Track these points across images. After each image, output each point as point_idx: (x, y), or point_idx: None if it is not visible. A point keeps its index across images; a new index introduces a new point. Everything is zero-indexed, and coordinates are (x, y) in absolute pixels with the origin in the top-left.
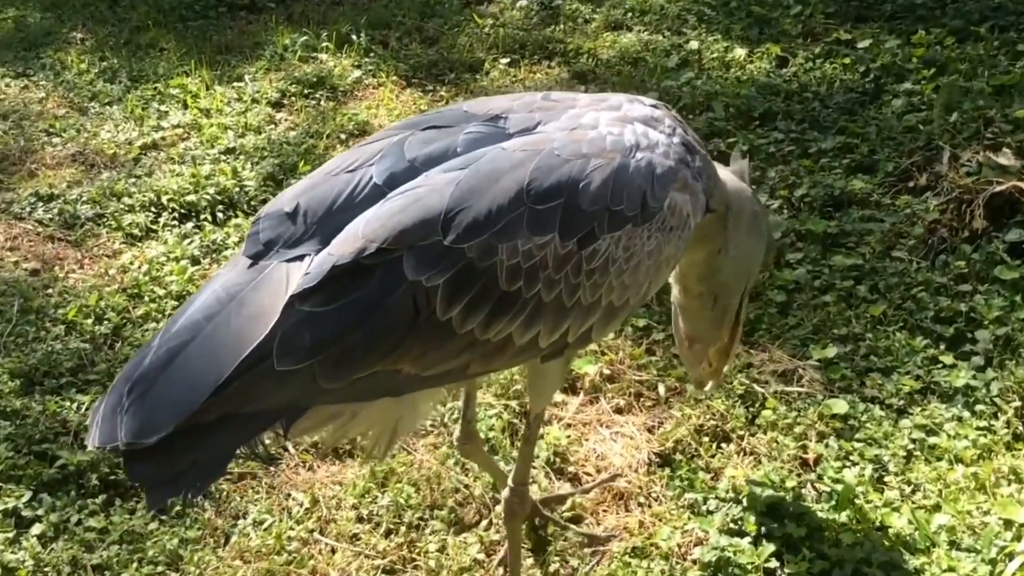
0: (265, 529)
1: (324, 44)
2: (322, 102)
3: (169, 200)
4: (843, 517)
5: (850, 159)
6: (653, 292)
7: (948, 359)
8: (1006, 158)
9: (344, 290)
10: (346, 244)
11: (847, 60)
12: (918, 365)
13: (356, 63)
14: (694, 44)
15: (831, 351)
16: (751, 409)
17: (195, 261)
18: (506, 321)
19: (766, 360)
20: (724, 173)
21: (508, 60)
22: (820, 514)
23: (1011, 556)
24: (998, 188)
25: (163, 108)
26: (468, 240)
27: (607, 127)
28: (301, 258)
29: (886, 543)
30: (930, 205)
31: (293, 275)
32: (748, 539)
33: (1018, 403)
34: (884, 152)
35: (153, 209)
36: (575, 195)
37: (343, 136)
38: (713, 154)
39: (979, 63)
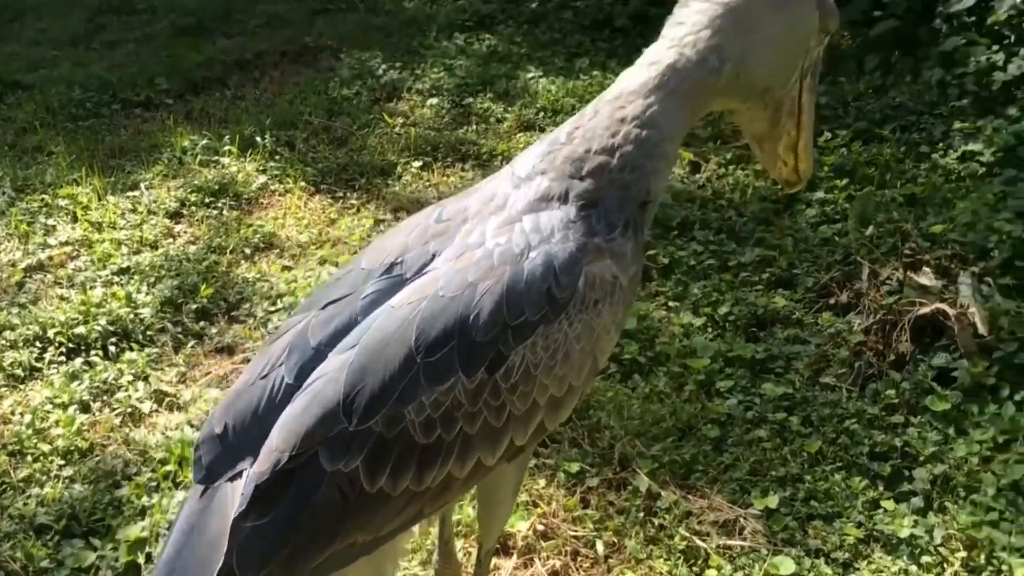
0: None
1: (227, 147)
2: (225, 211)
3: (56, 334)
4: None
5: (770, 273)
6: (605, 357)
7: (889, 504)
8: (927, 278)
9: (273, 500)
10: (264, 459)
11: (758, 166)
12: (859, 511)
13: (261, 167)
14: None
15: (772, 499)
16: (694, 567)
17: (85, 408)
18: (438, 467)
19: (706, 508)
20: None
21: (420, 163)
22: None
23: None
24: (922, 311)
25: (50, 222)
26: (371, 418)
27: (493, 238)
28: (241, 474)
29: None
30: (853, 325)
31: (235, 494)
32: None
33: (963, 552)
34: (803, 266)
35: (38, 344)
36: (467, 331)
37: (247, 251)
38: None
39: (887, 169)
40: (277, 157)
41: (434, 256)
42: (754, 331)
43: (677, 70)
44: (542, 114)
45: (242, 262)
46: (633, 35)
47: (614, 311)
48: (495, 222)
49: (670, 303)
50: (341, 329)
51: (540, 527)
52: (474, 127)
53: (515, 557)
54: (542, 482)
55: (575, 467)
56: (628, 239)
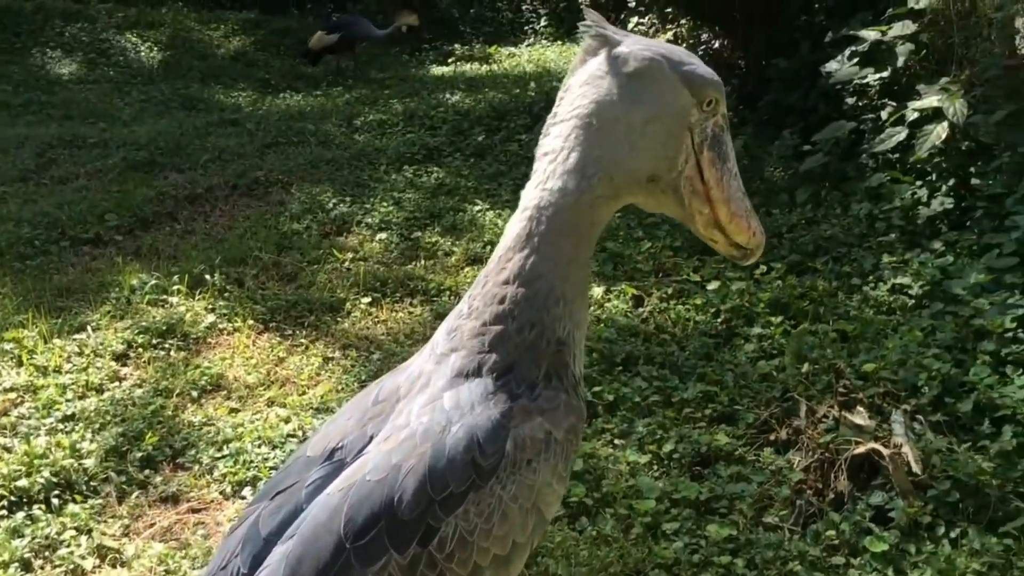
0: None
1: (175, 286)
2: (172, 352)
3: None
4: None
5: (711, 409)
6: (553, 510)
7: None
8: (861, 418)
9: None
10: None
11: (698, 301)
12: None
13: (210, 306)
14: None
15: None
16: None
17: (26, 566)
18: None
19: None
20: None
21: (369, 299)
22: None
23: None
24: (858, 450)
25: None
26: None
27: (417, 418)
28: None
29: None
30: (794, 463)
31: None
32: None
33: None
34: (744, 402)
35: None
36: (393, 511)
37: (194, 393)
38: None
39: (820, 304)
40: (226, 295)
41: (371, 438)
42: (698, 469)
43: (544, 208)
44: (489, 248)
45: (189, 405)
46: None
47: (553, 465)
48: (420, 401)
49: (616, 440)
50: (287, 518)
51: None
52: (422, 262)
53: None
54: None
55: None
56: (556, 389)
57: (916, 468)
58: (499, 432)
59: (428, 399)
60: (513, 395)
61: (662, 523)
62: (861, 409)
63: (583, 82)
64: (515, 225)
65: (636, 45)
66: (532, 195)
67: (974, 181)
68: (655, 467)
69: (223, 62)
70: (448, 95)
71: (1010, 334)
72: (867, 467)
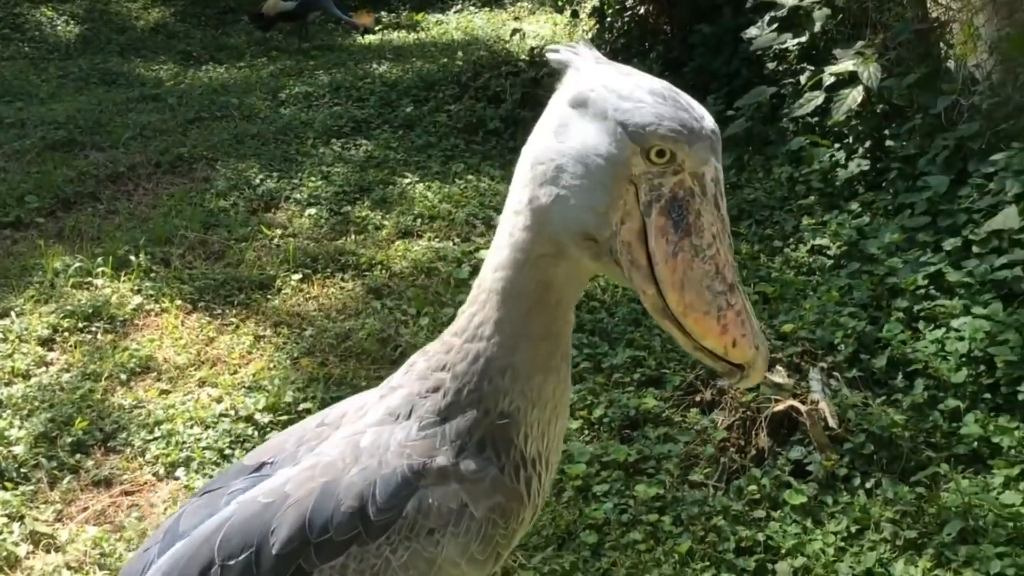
0: None
1: (100, 268)
2: (99, 336)
3: None
4: None
5: (640, 373)
6: None
7: None
8: (780, 376)
9: None
10: None
11: None
12: None
13: (136, 287)
14: (483, 253)
15: None
16: None
17: None
18: None
19: None
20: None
21: (300, 276)
22: None
23: None
24: (777, 408)
25: None
26: None
27: (331, 447)
28: None
29: None
30: (718, 422)
31: None
32: None
33: None
34: (671, 366)
35: None
36: (265, 542)
37: (123, 376)
38: None
39: (744, 267)
40: (153, 275)
41: (299, 460)
42: (627, 431)
43: (499, 265)
44: (419, 220)
45: (118, 388)
46: (505, 137)
47: (463, 544)
48: (344, 432)
49: None
50: (203, 518)
51: None
52: (353, 236)
53: None
54: None
55: None
56: (487, 461)
57: (832, 423)
58: (403, 488)
59: (352, 432)
60: (433, 452)
61: (592, 485)
62: (780, 368)
63: (544, 114)
64: (483, 268)
65: (596, 74)
66: (495, 244)
67: (889, 143)
68: (586, 432)
69: (143, 35)
70: (375, 65)
71: (922, 291)
72: (786, 423)
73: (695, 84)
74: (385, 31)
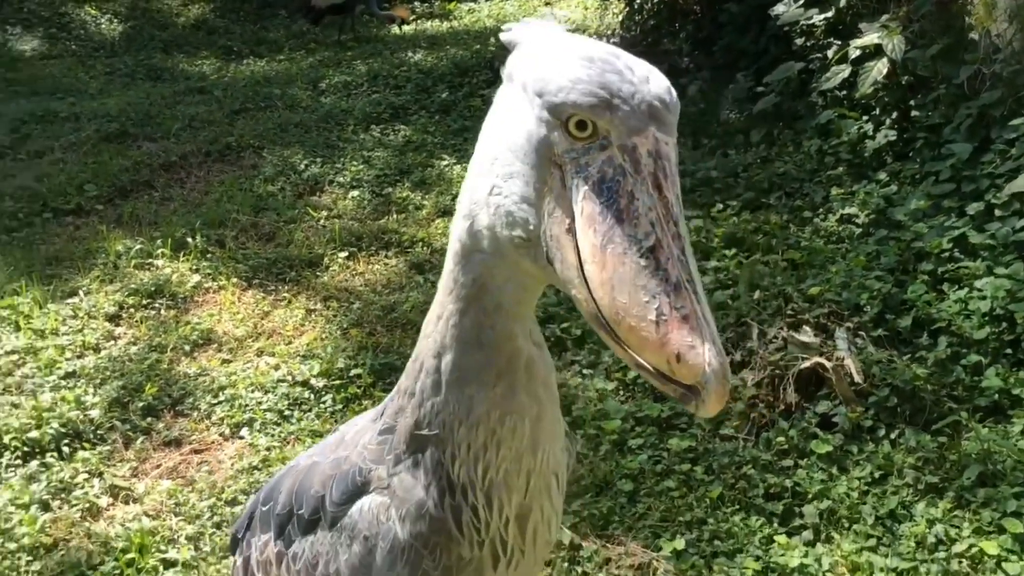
0: None
1: (159, 250)
2: (162, 311)
3: (11, 439)
4: None
5: None
6: None
7: (782, 538)
8: (807, 335)
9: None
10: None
11: None
12: (757, 546)
13: (194, 267)
14: None
15: (680, 541)
16: None
17: (45, 506)
18: None
19: (623, 554)
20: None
21: (346, 253)
22: None
23: None
24: (804, 365)
25: None
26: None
27: (345, 428)
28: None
29: None
30: (747, 380)
31: None
32: None
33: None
34: None
35: None
36: (275, 498)
37: (187, 347)
38: (549, 340)
39: (773, 236)
40: (209, 256)
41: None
42: (660, 393)
43: (448, 261)
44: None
45: (182, 359)
46: None
47: (390, 560)
48: (357, 419)
49: (584, 371)
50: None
51: None
52: (394, 216)
53: None
54: None
55: None
56: (416, 481)
57: (858, 378)
58: (351, 488)
59: (357, 421)
60: (380, 459)
61: (628, 440)
62: (807, 328)
63: None
64: None
65: (531, 46)
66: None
67: (914, 113)
68: (621, 392)
69: (184, 31)
70: (410, 54)
71: (946, 254)
72: (814, 380)
73: (725, 63)
74: (419, 21)
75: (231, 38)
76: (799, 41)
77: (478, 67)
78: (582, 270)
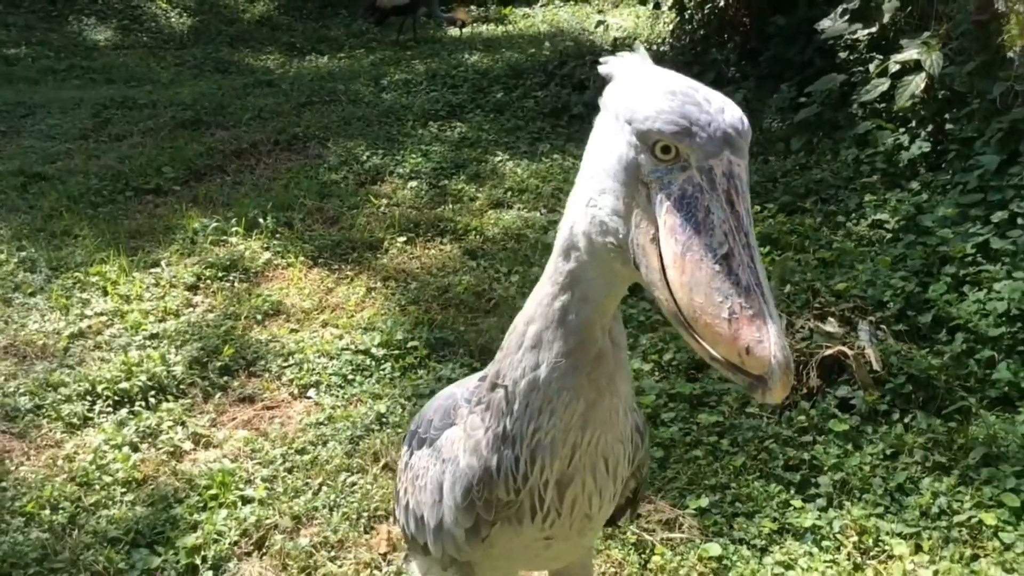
0: None
1: (234, 228)
2: (236, 284)
3: (104, 389)
4: None
5: None
6: (452, 528)
7: (797, 503)
8: (831, 326)
9: None
10: None
11: None
12: (774, 509)
13: (265, 245)
14: None
15: (704, 501)
16: (643, 555)
17: (135, 448)
18: (400, 507)
19: (652, 511)
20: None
21: (404, 238)
22: None
23: None
24: (827, 352)
25: (84, 296)
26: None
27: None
28: None
29: None
30: None
31: None
32: None
33: (855, 537)
34: None
35: (88, 398)
36: (419, 419)
37: (259, 317)
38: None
39: (806, 237)
40: (278, 236)
41: None
42: (693, 373)
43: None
44: (510, 193)
45: (254, 327)
46: (589, 121)
47: (450, 483)
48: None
49: None
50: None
51: None
52: (450, 206)
53: None
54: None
55: None
56: (482, 423)
57: (876, 366)
58: (445, 417)
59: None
60: (470, 397)
61: (661, 413)
62: (832, 320)
63: None
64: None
65: (624, 79)
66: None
67: (948, 126)
68: (656, 373)
69: (249, 27)
70: (467, 56)
71: (969, 258)
72: (835, 367)
73: (770, 73)
74: (475, 24)
75: (294, 35)
76: (842, 55)
77: (532, 70)
78: (664, 274)
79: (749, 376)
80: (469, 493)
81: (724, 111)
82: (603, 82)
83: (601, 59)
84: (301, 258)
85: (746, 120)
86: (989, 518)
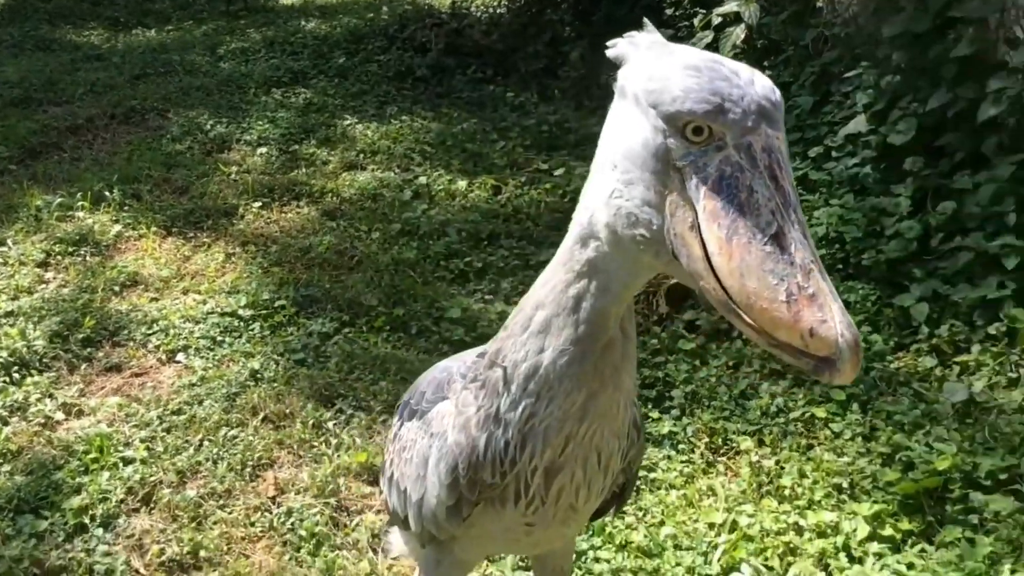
0: None
1: (79, 203)
2: (88, 258)
3: None
4: (598, 541)
5: None
6: (433, 504)
7: (655, 415)
8: None
9: None
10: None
11: (548, 186)
12: None
13: (114, 218)
14: (423, 179)
15: None
16: None
17: (4, 422)
18: (385, 478)
19: None
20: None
21: (260, 204)
22: (581, 542)
23: (715, 547)
24: (672, 282)
25: None
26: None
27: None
28: None
29: (630, 554)
30: None
31: None
32: None
33: (707, 439)
34: None
35: None
36: (411, 391)
37: (116, 288)
38: (454, 272)
39: None
40: (127, 208)
41: None
42: None
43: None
44: (362, 155)
45: (113, 298)
46: (432, 83)
47: (436, 458)
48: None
49: (486, 296)
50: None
51: None
52: (303, 170)
53: None
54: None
55: None
56: (475, 399)
57: None
58: (438, 391)
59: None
60: (466, 372)
61: None
62: None
63: None
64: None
65: (637, 60)
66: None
67: (768, 73)
68: None
69: (68, 2)
70: (303, 23)
71: None
72: (681, 294)
73: (603, 32)
74: None
75: (116, 9)
76: (669, 11)
77: (372, 34)
78: (709, 262)
79: (815, 359)
80: (454, 471)
81: (754, 82)
82: (447, 44)
83: (608, 43)
84: (154, 228)
85: (777, 90)
86: (820, 412)
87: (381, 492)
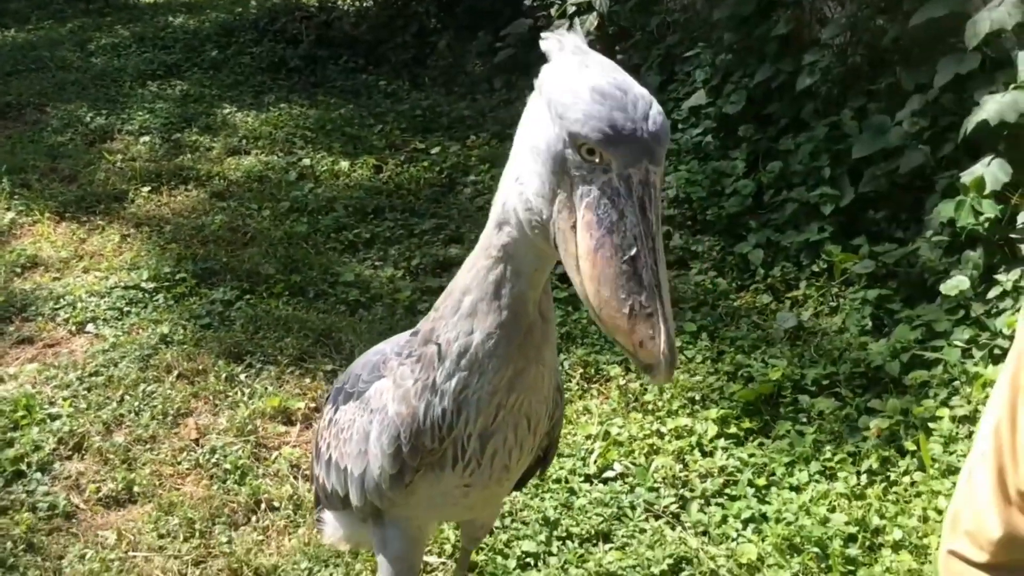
0: (87, 559)
1: None
2: None
3: None
4: None
5: (444, 235)
6: (376, 475)
7: None
8: None
9: None
10: None
11: (426, 163)
12: None
13: (6, 206)
14: (306, 161)
15: None
16: None
17: None
18: (320, 464)
19: None
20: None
21: (149, 188)
22: None
23: (591, 452)
24: None
25: None
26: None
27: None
28: None
29: None
30: None
31: None
32: None
33: (582, 370)
34: (467, 226)
35: None
36: (344, 377)
37: (17, 270)
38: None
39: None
40: (17, 196)
41: None
42: (439, 272)
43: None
44: (245, 141)
45: (15, 279)
46: (306, 73)
47: (377, 432)
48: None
49: (376, 263)
50: None
51: None
52: (189, 156)
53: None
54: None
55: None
56: (413, 373)
57: None
58: (375, 371)
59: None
60: (401, 351)
61: (417, 305)
62: None
63: None
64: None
65: (558, 64)
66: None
67: (619, 57)
68: (407, 276)
69: None
70: (171, 18)
71: None
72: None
73: (467, 23)
74: None
75: None
76: (528, 2)
77: (243, 27)
78: (578, 263)
79: (641, 362)
80: (396, 440)
81: (648, 118)
82: (317, 36)
83: (542, 35)
84: (47, 214)
85: (667, 125)
86: (677, 342)
87: (310, 480)
